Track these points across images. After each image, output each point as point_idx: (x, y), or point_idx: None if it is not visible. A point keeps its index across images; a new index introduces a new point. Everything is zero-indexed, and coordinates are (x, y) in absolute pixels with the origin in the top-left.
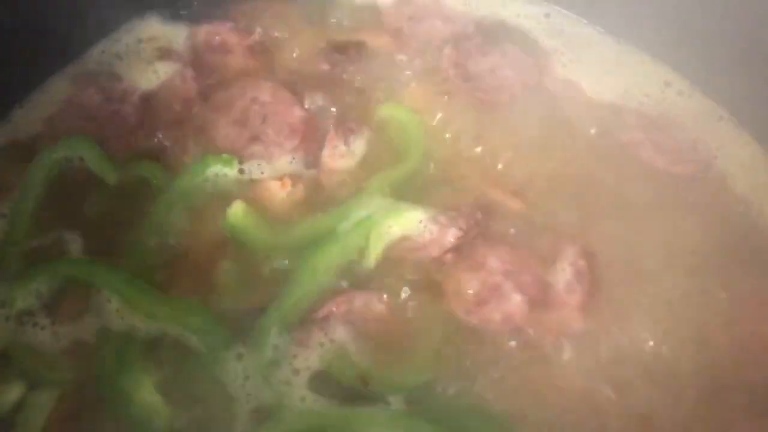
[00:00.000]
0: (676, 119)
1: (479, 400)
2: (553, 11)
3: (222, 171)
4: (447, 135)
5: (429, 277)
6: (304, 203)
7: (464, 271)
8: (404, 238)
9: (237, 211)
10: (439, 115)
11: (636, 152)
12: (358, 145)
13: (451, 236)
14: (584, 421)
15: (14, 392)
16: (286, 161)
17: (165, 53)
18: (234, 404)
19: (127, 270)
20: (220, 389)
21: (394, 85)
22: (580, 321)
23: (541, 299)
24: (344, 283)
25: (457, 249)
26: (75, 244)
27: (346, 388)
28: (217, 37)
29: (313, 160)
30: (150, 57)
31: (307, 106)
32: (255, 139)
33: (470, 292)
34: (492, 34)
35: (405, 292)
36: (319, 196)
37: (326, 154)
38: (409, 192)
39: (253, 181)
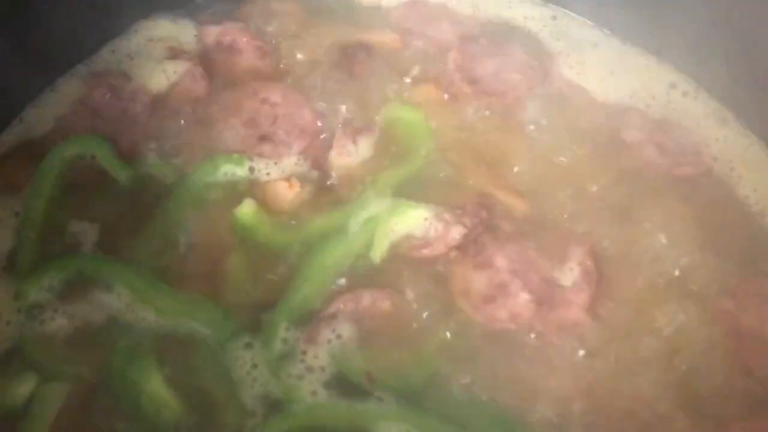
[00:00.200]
0: (681, 121)
1: (485, 396)
2: (560, 13)
3: (232, 170)
4: (453, 136)
5: (435, 275)
6: (312, 203)
7: (471, 269)
8: (409, 236)
9: (247, 209)
10: (445, 116)
11: (640, 153)
12: (365, 145)
13: (456, 233)
14: (589, 418)
15: (26, 385)
16: (293, 161)
17: (175, 53)
18: (242, 396)
19: (137, 265)
20: (230, 382)
21: (401, 86)
22: (587, 320)
23: (547, 298)
24: (351, 281)
25: (462, 246)
26: (86, 240)
27: (353, 384)
28: (227, 37)
29: (321, 161)
30: (160, 57)
31: (315, 107)
32: (264, 139)
33: (477, 289)
34: (498, 36)
35: (411, 290)
36: (327, 196)
37: (334, 154)
38: (414, 191)
39: (261, 182)
